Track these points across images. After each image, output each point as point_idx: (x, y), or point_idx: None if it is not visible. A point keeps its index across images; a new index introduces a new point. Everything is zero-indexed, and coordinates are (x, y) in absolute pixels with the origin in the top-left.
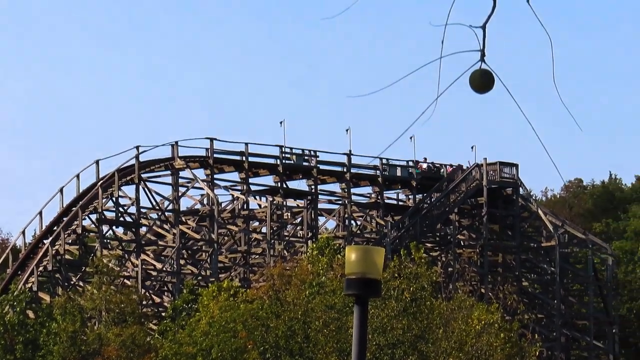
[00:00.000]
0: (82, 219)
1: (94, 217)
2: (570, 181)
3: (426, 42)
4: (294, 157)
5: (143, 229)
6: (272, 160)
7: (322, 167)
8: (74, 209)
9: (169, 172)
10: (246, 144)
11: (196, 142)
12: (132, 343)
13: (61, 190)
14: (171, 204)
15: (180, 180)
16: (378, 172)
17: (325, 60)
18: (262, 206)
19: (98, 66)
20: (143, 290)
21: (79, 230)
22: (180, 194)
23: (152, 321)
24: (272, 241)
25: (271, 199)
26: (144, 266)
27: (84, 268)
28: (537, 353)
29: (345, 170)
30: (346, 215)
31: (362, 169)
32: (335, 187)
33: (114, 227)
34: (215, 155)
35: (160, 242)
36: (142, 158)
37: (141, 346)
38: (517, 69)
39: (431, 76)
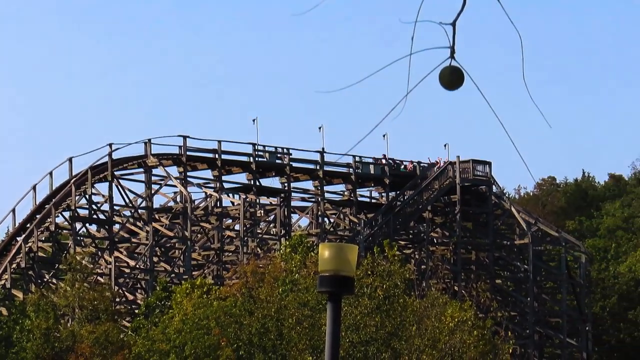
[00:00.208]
0: (55, 216)
1: (67, 214)
2: (543, 179)
3: (398, 39)
4: (267, 154)
5: (116, 227)
6: (245, 158)
7: (295, 164)
8: (47, 206)
9: (142, 169)
10: (219, 141)
11: (169, 140)
12: (105, 340)
13: (34, 188)
14: (144, 202)
15: (154, 178)
16: (351, 169)
17: (297, 57)
18: (235, 204)
19: (70, 63)
20: (116, 288)
21: (52, 228)
22: (153, 192)
23: (126, 318)
24: (246, 239)
25: (244, 197)
26: (117, 263)
27: (57, 265)
28: (511, 350)
29: (318, 167)
30: (319, 213)
31: (335, 167)
32: (309, 185)
33: (87, 225)
34: (188, 153)
35: (133, 240)
36: (115, 155)
37: (114, 343)
38: (488, 66)
39: (404, 73)
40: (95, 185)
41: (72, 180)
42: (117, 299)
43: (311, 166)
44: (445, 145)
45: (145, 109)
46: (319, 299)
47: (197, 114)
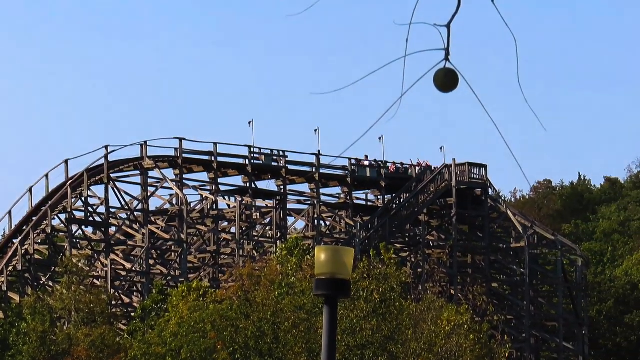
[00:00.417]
0: (51, 218)
1: (63, 216)
2: (539, 182)
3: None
4: (263, 157)
5: (112, 229)
6: (241, 161)
7: (291, 167)
8: (43, 208)
9: (138, 172)
10: (215, 144)
11: (165, 142)
12: (101, 343)
13: (30, 190)
14: (140, 204)
15: (150, 180)
16: (347, 172)
17: (293, 59)
18: (231, 206)
19: (67, 65)
20: (112, 291)
21: (49, 230)
22: (149, 194)
23: (122, 321)
24: (241, 241)
25: (240, 199)
26: (113, 266)
27: (53, 268)
28: (507, 354)
29: (314, 170)
30: (315, 216)
31: (331, 169)
32: (304, 188)
33: (83, 227)
34: (184, 155)
35: (129, 242)
36: (111, 158)
37: (110, 346)
38: (482, 68)
39: (399, 75)
40: (91, 187)
41: (69, 183)
42: (114, 302)
43: (307, 169)
44: (441, 148)
45: (141, 111)
46: (315, 302)
47: (193, 116)
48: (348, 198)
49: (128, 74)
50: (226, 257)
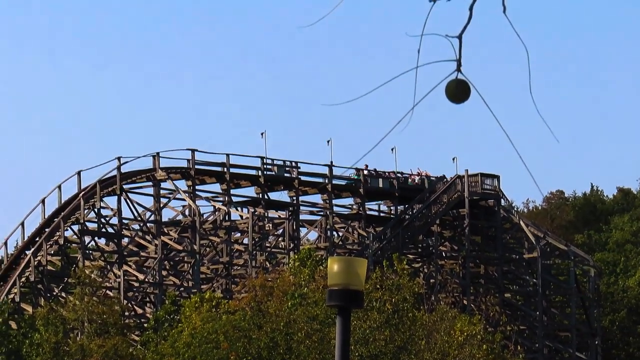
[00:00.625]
0: (64, 230)
1: (75, 228)
2: (551, 193)
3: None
4: (276, 168)
5: (125, 240)
6: (253, 172)
7: (303, 178)
8: (55, 220)
9: (150, 183)
10: (227, 155)
11: (177, 154)
12: (114, 354)
13: (43, 201)
14: (153, 215)
15: (162, 192)
16: (352, 182)
17: (305, 70)
18: (243, 217)
19: (80, 77)
20: (125, 301)
21: (61, 241)
22: (162, 205)
23: (135, 332)
24: (254, 252)
25: (253, 210)
26: (126, 277)
27: (66, 279)
28: None
29: (326, 181)
30: (328, 227)
31: (344, 180)
32: (317, 199)
33: (96, 238)
34: (196, 167)
35: (142, 253)
36: (123, 169)
37: (124, 357)
38: (495, 79)
39: (411, 86)
40: (104, 198)
41: (81, 194)
42: (126, 313)
43: (319, 180)
44: (453, 159)
45: (153, 123)
46: (328, 312)
47: (205, 127)
48: (361, 209)
49: (140, 84)
50: (239, 268)
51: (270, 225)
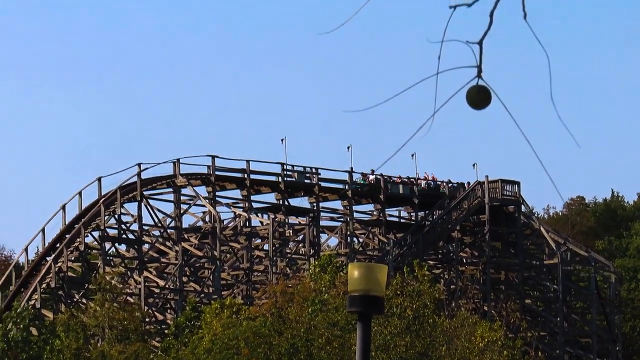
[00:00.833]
0: (84, 236)
1: (96, 234)
2: (572, 199)
3: (425, 59)
4: (296, 174)
5: (145, 246)
6: (273, 178)
7: (323, 184)
8: (76, 226)
9: (170, 189)
10: (248, 161)
11: (198, 160)
12: None
13: (63, 208)
14: (173, 221)
15: (182, 198)
16: (354, 185)
17: (325, 77)
18: (264, 223)
19: (99, 83)
20: (146, 308)
21: (82, 248)
22: (182, 211)
23: (155, 338)
24: (275, 258)
25: (273, 216)
26: (146, 283)
27: (86, 285)
28: None
29: (346, 187)
30: (348, 233)
31: (364, 186)
32: (337, 205)
33: (116, 244)
34: (217, 173)
35: (162, 259)
36: (144, 175)
37: None
38: (515, 85)
39: (431, 92)
40: (124, 205)
41: (102, 200)
42: (147, 319)
43: (340, 186)
44: (474, 165)
45: (174, 129)
46: (348, 318)
47: (225, 133)
48: (381, 215)
49: (160, 91)
50: (259, 274)
51: (291, 231)
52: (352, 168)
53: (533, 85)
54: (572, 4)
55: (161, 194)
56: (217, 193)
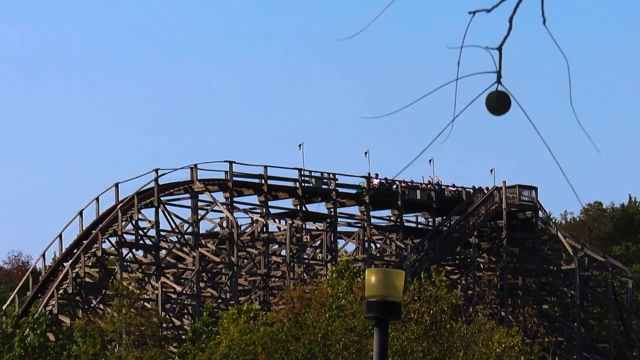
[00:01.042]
0: (101, 241)
1: (113, 240)
2: (589, 204)
3: (444, 64)
4: (313, 180)
5: (163, 252)
6: (291, 184)
7: (341, 190)
8: (93, 231)
9: (188, 195)
10: (265, 167)
11: (215, 165)
12: None
13: (81, 213)
14: (191, 227)
15: (200, 204)
16: (362, 190)
17: (343, 82)
18: (281, 229)
19: (116, 89)
20: (163, 313)
21: (99, 253)
22: (199, 217)
23: (173, 344)
24: (292, 264)
25: (290, 222)
26: (163, 289)
27: (104, 291)
28: None
29: (364, 193)
30: (365, 238)
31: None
32: (355, 210)
33: (133, 250)
34: (234, 179)
35: (180, 265)
36: (161, 181)
37: None
38: (535, 90)
39: (450, 98)
40: (141, 210)
41: (119, 206)
42: (164, 325)
43: (357, 191)
44: (491, 171)
45: (191, 135)
46: (365, 324)
47: (243, 139)
48: (398, 220)
49: (178, 96)
50: (277, 279)
51: (308, 236)
52: (369, 174)
53: (550, 89)
54: (592, 9)
55: (178, 199)
56: (235, 199)
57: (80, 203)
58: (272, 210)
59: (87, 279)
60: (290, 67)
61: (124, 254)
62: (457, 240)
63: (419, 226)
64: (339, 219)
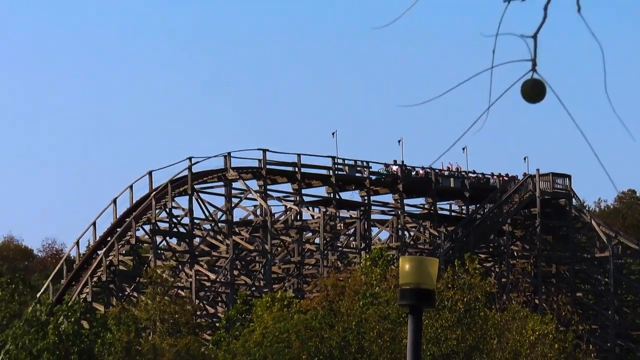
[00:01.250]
0: (135, 229)
1: (147, 227)
2: (623, 192)
3: (478, 52)
4: (347, 168)
5: (196, 240)
6: (324, 172)
7: (374, 177)
8: (127, 219)
9: (221, 183)
10: (299, 155)
11: (249, 153)
12: (186, 353)
13: (114, 201)
14: (224, 215)
15: (233, 192)
16: (396, 179)
17: (377, 70)
18: (315, 217)
19: (150, 79)
20: (197, 301)
21: (133, 241)
22: (233, 205)
23: (206, 331)
24: (326, 252)
25: (324, 210)
26: (197, 277)
27: (137, 279)
28: None
29: (397, 181)
30: (399, 226)
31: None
32: (388, 198)
33: (167, 238)
34: (268, 167)
35: (213, 253)
36: (194, 169)
37: (195, 356)
38: (569, 78)
39: (484, 86)
40: (175, 198)
41: (153, 194)
42: (198, 313)
43: (389, 179)
44: (525, 159)
45: (225, 123)
46: (399, 312)
47: (276, 127)
48: (432, 208)
49: (212, 84)
50: (310, 267)
51: (342, 224)
52: (403, 162)
53: (585, 77)
54: None
55: (212, 187)
56: (268, 187)
57: (114, 191)
58: (306, 198)
59: (121, 267)
60: (323, 56)
61: (157, 242)
62: (490, 228)
63: (453, 214)
64: (373, 207)
